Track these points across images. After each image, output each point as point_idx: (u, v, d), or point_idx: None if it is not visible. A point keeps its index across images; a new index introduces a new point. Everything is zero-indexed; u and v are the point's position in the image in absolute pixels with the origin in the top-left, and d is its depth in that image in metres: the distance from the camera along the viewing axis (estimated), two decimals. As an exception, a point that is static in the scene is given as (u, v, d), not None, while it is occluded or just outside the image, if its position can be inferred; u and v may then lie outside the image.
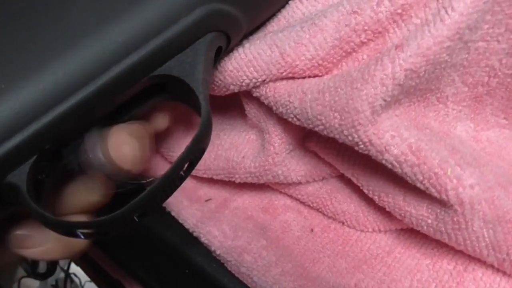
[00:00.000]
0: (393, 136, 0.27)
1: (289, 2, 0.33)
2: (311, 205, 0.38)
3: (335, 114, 0.28)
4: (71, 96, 0.24)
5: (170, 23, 0.26)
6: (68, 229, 0.25)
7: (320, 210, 0.38)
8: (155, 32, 0.26)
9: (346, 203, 0.37)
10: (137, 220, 0.25)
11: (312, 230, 0.38)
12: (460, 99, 0.31)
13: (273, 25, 0.33)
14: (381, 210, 0.35)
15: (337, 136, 0.29)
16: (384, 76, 0.26)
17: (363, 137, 0.27)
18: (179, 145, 0.40)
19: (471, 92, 0.31)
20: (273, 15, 0.33)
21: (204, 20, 0.27)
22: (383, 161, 0.28)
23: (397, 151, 0.27)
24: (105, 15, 0.25)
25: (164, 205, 0.40)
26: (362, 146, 0.28)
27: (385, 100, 0.27)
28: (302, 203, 0.39)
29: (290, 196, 0.39)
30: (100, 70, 0.25)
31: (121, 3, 0.26)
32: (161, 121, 0.33)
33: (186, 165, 0.26)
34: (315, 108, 0.29)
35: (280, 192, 0.40)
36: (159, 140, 0.41)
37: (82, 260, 0.56)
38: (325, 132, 0.29)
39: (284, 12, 0.33)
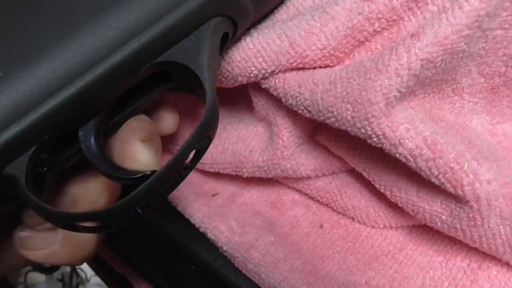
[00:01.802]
0: (408, 129, 0.26)
1: None
2: (320, 200, 0.37)
3: (348, 106, 0.27)
4: (70, 84, 0.24)
5: (173, 7, 0.25)
6: (67, 221, 0.24)
7: (329, 205, 0.37)
8: (157, 17, 0.25)
9: (357, 198, 0.36)
10: (140, 212, 0.24)
11: (321, 226, 0.37)
12: (476, 90, 0.30)
13: (282, 13, 0.32)
14: (393, 206, 0.34)
15: (349, 129, 0.28)
16: (399, 66, 0.25)
17: (376, 130, 0.26)
18: (185, 139, 0.39)
19: (487, 83, 0.30)
20: (281, 2, 0.32)
21: (208, 4, 0.26)
22: (397, 155, 0.27)
23: (411, 144, 0.26)
24: (104, 1, 0.24)
25: (170, 199, 0.39)
26: (375, 139, 0.27)
27: (400, 91, 0.25)
28: (311, 198, 0.38)
29: (299, 191, 0.38)
30: (99, 58, 0.24)
31: None
32: (170, 121, 0.32)
33: (192, 155, 0.25)
34: (327, 99, 0.28)
35: (289, 187, 0.39)
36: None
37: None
38: (336, 125, 0.28)
39: (294, 0, 0.32)
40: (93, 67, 0.24)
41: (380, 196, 0.34)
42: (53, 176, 0.27)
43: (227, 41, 0.29)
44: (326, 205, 0.37)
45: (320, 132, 0.34)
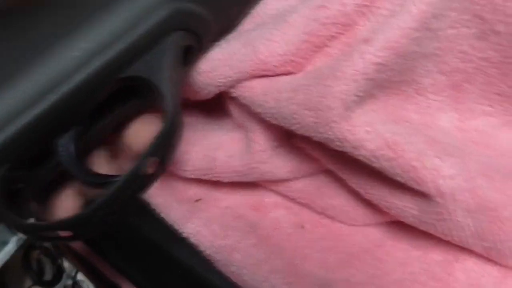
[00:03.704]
0: (368, 131, 0.27)
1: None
2: (301, 201, 0.38)
3: (309, 113, 0.28)
4: (36, 105, 0.25)
5: (133, 25, 0.26)
6: (33, 232, 0.25)
7: (310, 206, 0.38)
8: (119, 35, 0.26)
9: (335, 198, 0.36)
10: (106, 220, 0.25)
11: (302, 226, 0.37)
12: (439, 89, 0.31)
13: (248, 23, 0.33)
14: (370, 203, 0.35)
15: (313, 135, 0.28)
16: (355, 72, 0.26)
17: (337, 134, 0.27)
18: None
19: (449, 80, 0.30)
20: (245, 12, 0.33)
21: (167, 20, 0.27)
22: (360, 157, 0.28)
23: (373, 146, 0.27)
24: (66, 23, 0.26)
25: (153, 206, 0.40)
26: (337, 143, 0.28)
27: (357, 96, 0.26)
28: (292, 199, 0.39)
29: (280, 194, 0.39)
30: (64, 77, 0.25)
31: (79, 11, 0.26)
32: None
33: (154, 163, 0.26)
34: (290, 107, 0.29)
35: (271, 190, 0.40)
36: None
37: (84, 266, 0.56)
38: (301, 131, 0.29)
39: (258, 9, 0.32)
40: (58, 87, 0.25)
41: (357, 195, 0.35)
42: (33, 189, 0.28)
43: (194, 54, 0.30)
44: (307, 205, 0.38)
45: (295, 134, 0.35)
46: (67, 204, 0.30)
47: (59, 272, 0.87)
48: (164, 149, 0.26)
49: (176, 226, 0.39)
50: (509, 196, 0.28)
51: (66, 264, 0.90)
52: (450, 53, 0.29)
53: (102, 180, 0.28)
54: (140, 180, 0.25)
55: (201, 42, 0.30)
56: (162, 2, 0.27)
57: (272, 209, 0.39)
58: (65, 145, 0.27)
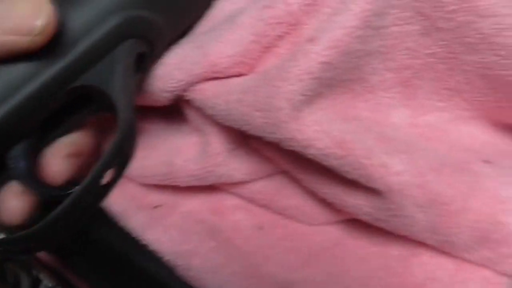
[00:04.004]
0: (317, 130, 0.27)
1: (214, 3, 0.32)
2: (260, 202, 0.38)
3: (259, 114, 0.28)
4: None
5: (83, 35, 0.26)
6: None
7: (269, 207, 0.38)
8: (69, 44, 0.26)
9: (293, 198, 0.37)
10: (63, 232, 0.25)
11: (262, 228, 0.37)
12: (388, 86, 0.31)
13: (200, 27, 0.33)
14: (327, 202, 0.35)
15: (263, 135, 0.29)
16: (300, 72, 0.26)
17: (286, 134, 0.27)
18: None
19: (397, 77, 0.31)
20: (199, 17, 0.33)
21: (118, 29, 0.27)
22: (311, 156, 0.28)
23: (321, 145, 0.27)
24: None
25: (112, 214, 0.40)
26: (287, 143, 0.28)
27: (304, 95, 0.27)
28: (252, 201, 0.39)
29: (240, 196, 0.39)
30: (11, 91, 0.25)
31: None
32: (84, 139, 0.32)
33: (109, 173, 0.26)
34: (240, 108, 0.29)
35: (230, 193, 0.40)
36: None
37: (55, 277, 0.55)
38: (252, 132, 0.29)
39: (210, 13, 0.33)
40: (6, 100, 0.25)
41: (314, 194, 0.35)
42: None
43: (147, 60, 0.30)
44: (266, 207, 0.38)
45: (250, 135, 0.35)
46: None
47: (35, 284, 0.86)
48: (119, 158, 0.26)
49: (136, 234, 0.38)
50: (458, 189, 0.29)
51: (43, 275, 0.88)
52: (396, 50, 0.29)
53: (57, 193, 0.28)
54: (96, 190, 0.25)
55: (154, 48, 0.30)
56: (113, 10, 0.27)
57: (232, 212, 0.39)
58: (16, 158, 0.27)
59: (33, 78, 0.25)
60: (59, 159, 0.30)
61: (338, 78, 0.28)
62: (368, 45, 0.28)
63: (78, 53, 0.26)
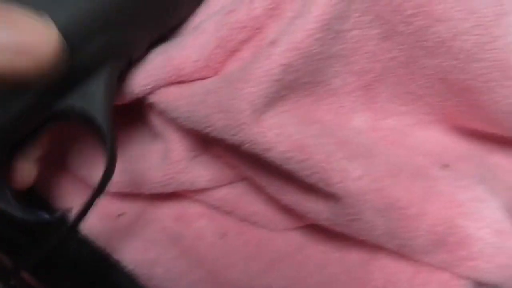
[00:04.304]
0: (278, 134, 0.27)
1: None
2: (223, 209, 0.38)
3: (220, 115, 0.28)
4: None
5: (67, 56, 0.25)
6: None
7: (232, 214, 0.38)
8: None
9: (256, 204, 0.37)
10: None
11: (225, 234, 0.38)
12: (351, 89, 0.32)
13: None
14: (289, 208, 0.35)
15: (225, 137, 0.29)
16: (261, 74, 0.27)
17: (247, 136, 0.27)
18: (91, 162, 0.39)
19: (360, 81, 0.31)
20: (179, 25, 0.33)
21: (102, 50, 0.27)
22: (271, 159, 0.28)
23: (282, 148, 0.27)
24: None
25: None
26: (247, 145, 0.28)
27: (265, 97, 0.27)
28: (216, 208, 0.39)
29: (204, 203, 0.39)
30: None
31: None
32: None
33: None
34: (202, 110, 0.29)
35: (194, 200, 0.40)
36: (68, 158, 0.40)
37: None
38: (214, 134, 0.29)
39: (183, 24, 0.33)
40: None
41: (276, 200, 0.35)
42: None
43: (125, 74, 0.31)
44: (230, 213, 0.38)
45: (213, 142, 0.35)
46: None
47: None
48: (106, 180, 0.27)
49: (99, 244, 0.38)
50: (415, 194, 0.30)
51: None
52: (357, 54, 0.30)
53: (42, 217, 0.28)
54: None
55: (133, 62, 0.30)
56: (97, 32, 0.26)
57: (195, 219, 0.39)
58: None
59: (15, 100, 0.25)
60: (31, 163, 0.30)
61: (300, 81, 0.28)
62: (329, 48, 0.28)
63: (63, 73, 0.25)
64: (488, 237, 0.30)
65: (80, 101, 0.27)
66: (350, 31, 0.28)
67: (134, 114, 0.37)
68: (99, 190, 0.27)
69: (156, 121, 0.35)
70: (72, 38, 0.25)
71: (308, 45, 0.27)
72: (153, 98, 0.32)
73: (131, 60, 0.30)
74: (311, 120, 0.30)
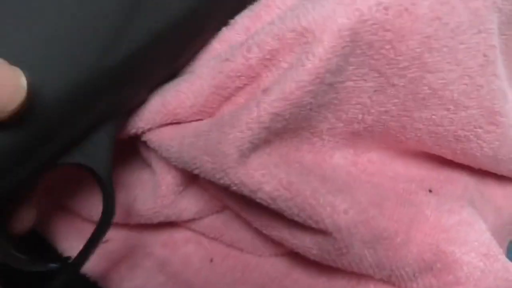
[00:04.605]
0: (264, 174, 0.28)
1: None
2: (210, 235, 0.38)
3: (207, 158, 0.28)
4: None
5: (68, 120, 0.26)
6: None
7: (219, 240, 0.38)
8: (55, 125, 0.25)
9: (243, 231, 0.37)
10: None
11: (211, 260, 0.37)
12: (336, 133, 0.32)
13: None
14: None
15: (212, 179, 0.29)
16: (250, 120, 0.27)
17: (234, 179, 0.28)
18: (90, 201, 0.39)
19: (347, 127, 0.32)
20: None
21: (105, 112, 0.27)
22: (258, 199, 0.28)
23: (269, 188, 0.27)
24: None
25: (60, 251, 0.39)
26: (235, 187, 0.28)
27: (252, 143, 0.27)
28: (202, 234, 0.39)
29: (190, 229, 0.39)
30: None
31: None
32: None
33: None
34: (191, 152, 0.29)
35: (180, 225, 0.39)
36: (68, 197, 0.39)
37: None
38: (202, 175, 0.29)
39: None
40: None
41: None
42: None
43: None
44: (216, 239, 0.38)
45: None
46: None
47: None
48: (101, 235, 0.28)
49: (84, 270, 0.38)
50: (400, 222, 0.30)
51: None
52: (348, 104, 0.30)
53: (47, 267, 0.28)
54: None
55: (132, 111, 0.30)
56: (107, 92, 0.26)
57: (182, 244, 0.39)
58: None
59: (17, 159, 0.24)
60: (30, 207, 0.30)
61: (288, 128, 0.29)
62: (320, 99, 0.28)
63: (69, 131, 0.26)
64: (475, 261, 0.31)
65: (83, 157, 0.27)
66: (343, 82, 0.29)
67: (124, 144, 0.37)
68: (98, 235, 0.28)
69: (146, 155, 0.35)
70: (77, 100, 0.25)
71: (298, 96, 0.27)
72: (146, 137, 0.32)
73: (131, 109, 0.31)
74: (292, 160, 0.30)
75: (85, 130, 0.27)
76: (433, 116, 0.30)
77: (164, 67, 0.30)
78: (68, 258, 0.29)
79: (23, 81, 0.22)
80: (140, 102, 0.31)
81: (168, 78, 0.32)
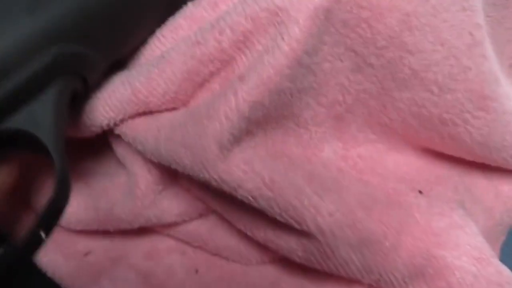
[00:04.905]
0: (245, 171, 0.26)
1: (149, 40, 0.31)
2: (195, 244, 0.37)
3: (186, 152, 0.27)
4: None
5: (10, 71, 0.24)
6: None
7: (204, 248, 0.37)
8: None
9: (227, 238, 0.36)
10: None
11: (197, 271, 0.36)
12: (321, 120, 0.31)
13: (133, 64, 0.32)
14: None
15: (191, 174, 0.28)
16: (229, 110, 0.26)
17: (213, 175, 0.26)
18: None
19: (330, 112, 0.31)
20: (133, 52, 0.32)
21: (51, 65, 0.25)
22: (239, 197, 0.27)
23: (250, 185, 0.26)
24: None
25: (39, 265, 0.37)
26: (214, 183, 0.27)
27: (233, 135, 0.26)
28: (187, 243, 0.38)
29: (174, 237, 0.38)
30: None
31: None
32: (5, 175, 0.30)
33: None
34: (168, 145, 0.28)
35: (164, 235, 0.38)
36: (29, 191, 0.38)
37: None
38: (180, 170, 0.28)
39: (143, 50, 0.31)
40: None
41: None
42: None
43: (80, 96, 0.29)
44: (201, 248, 0.37)
45: (182, 175, 0.34)
46: None
47: None
48: (55, 211, 0.24)
49: (66, 284, 0.36)
50: (390, 225, 0.29)
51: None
52: (328, 86, 0.29)
53: None
54: (32, 247, 0.24)
55: (88, 84, 0.28)
56: (44, 45, 0.24)
57: (166, 255, 0.37)
58: None
59: None
60: None
61: (269, 116, 0.28)
62: (299, 83, 0.27)
63: (5, 92, 0.24)
64: (467, 266, 0.30)
65: (27, 121, 0.25)
66: (320, 64, 0.28)
67: (97, 145, 0.36)
68: (47, 220, 0.24)
69: (120, 152, 0.34)
70: (16, 50, 0.24)
71: (277, 82, 0.26)
72: (119, 130, 0.31)
73: (86, 81, 0.28)
74: (279, 154, 0.29)
75: (26, 89, 0.25)
76: (415, 97, 0.29)
77: (122, 32, 0.29)
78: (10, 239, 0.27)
79: None
80: (94, 75, 0.29)
81: (122, 53, 0.30)
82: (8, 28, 0.24)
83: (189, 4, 0.30)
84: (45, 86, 0.25)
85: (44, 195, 0.37)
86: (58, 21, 0.25)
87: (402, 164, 0.34)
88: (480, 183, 0.35)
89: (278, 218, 0.27)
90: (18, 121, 0.25)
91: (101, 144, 0.35)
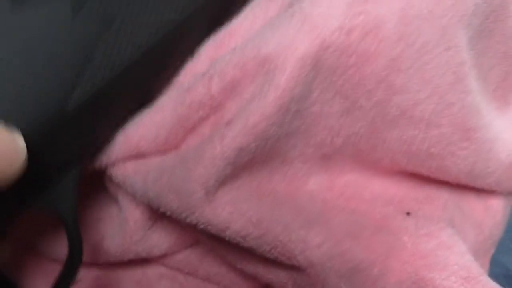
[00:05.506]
0: (231, 212, 0.27)
1: None
2: (185, 270, 0.37)
3: (173, 196, 0.27)
4: None
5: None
6: None
7: (194, 275, 0.37)
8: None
9: (217, 265, 0.36)
10: None
11: (188, 297, 0.36)
12: (308, 158, 0.31)
13: None
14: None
15: (178, 218, 0.28)
16: (214, 156, 0.26)
17: (200, 219, 0.27)
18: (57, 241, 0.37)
19: (317, 152, 0.31)
20: None
21: (72, 154, 0.27)
22: (227, 238, 0.27)
23: (237, 226, 0.27)
24: None
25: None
26: (202, 226, 0.27)
27: (217, 180, 0.26)
28: (178, 269, 0.38)
29: (165, 265, 0.38)
30: None
31: None
32: None
33: None
34: (155, 189, 0.28)
35: (154, 261, 0.38)
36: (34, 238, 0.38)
37: None
38: (168, 214, 0.28)
39: None
40: None
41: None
42: None
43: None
44: (191, 274, 0.37)
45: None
46: None
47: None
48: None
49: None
50: (377, 252, 0.29)
51: None
52: (316, 128, 0.29)
53: None
54: None
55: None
56: (66, 138, 0.26)
57: (156, 281, 0.38)
58: None
59: None
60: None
61: (255, 159, 0.28)
62: (286, 128, 0.27)
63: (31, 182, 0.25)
64: (455, 286, 0.30)
65: (48, 200, 0.26)
66: (308, 108, 0.28)
67: (91, 180, 0.35)
68: (65, 282, 0.26)
69: (113, 189, 0.34)
70: (41, 144, 0.24)
71: (263, 128, 0.26)
72: (111, 171, 0.31)
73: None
74: (264, 193, 0.29)
75: (52, 175, 0.26)
76: (404, 136, 0.29)
77: (127, 108, 0.29)
78: None
79: (21, 142, 0.21)
80: (105, 142, 0.30)
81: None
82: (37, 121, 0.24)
83: (189, 61, 0.30)
84: (67, 170, 0.27)
85: (51, 241, 0.37)
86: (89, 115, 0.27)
87: (390, 186, 0.34)
88: (469, 199, 0.36)
89: (268, 255, 0.28)
90: (43, 199, 0.26)
91: (93, 177, 0.35)
